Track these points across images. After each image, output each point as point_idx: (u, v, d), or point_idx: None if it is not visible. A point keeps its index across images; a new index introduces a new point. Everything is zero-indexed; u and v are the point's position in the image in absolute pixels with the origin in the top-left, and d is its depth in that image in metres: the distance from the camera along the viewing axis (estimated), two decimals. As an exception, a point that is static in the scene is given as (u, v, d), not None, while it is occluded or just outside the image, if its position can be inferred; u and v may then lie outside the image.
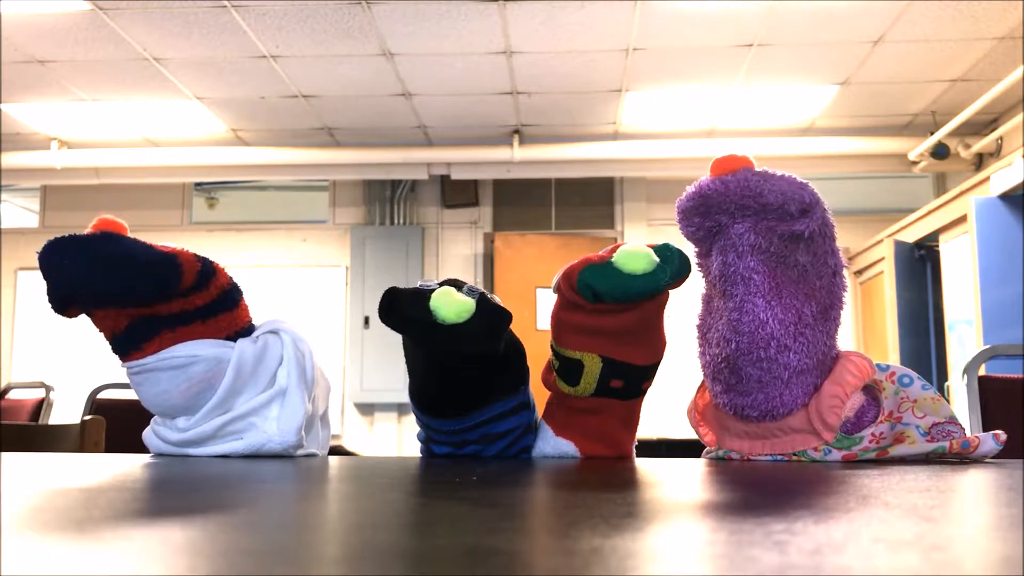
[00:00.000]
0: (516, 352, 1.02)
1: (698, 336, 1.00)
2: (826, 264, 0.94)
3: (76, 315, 1.00)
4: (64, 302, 0.97)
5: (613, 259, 0.95)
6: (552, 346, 1.02)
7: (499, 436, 1.01)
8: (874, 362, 0.96)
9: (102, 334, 1.02)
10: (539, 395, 1.05)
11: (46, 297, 0.97)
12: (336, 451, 1.97)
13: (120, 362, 1.02)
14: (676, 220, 0.97)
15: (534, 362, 1.03)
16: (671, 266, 0.96)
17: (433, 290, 0.95)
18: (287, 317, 1.10)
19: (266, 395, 1.02)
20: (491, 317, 0.95)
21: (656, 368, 1.03)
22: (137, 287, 0.96)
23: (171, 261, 0.97)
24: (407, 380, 1.04)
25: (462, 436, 1.01)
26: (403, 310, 0.94)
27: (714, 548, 0.36)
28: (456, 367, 0.97)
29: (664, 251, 0.97)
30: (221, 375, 1.00)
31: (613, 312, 0.96)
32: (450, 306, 0.93)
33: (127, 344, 0.99)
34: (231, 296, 1.04)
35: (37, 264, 0.96)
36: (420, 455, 1.07)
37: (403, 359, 1.04)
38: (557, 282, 0.98)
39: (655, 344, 1.01)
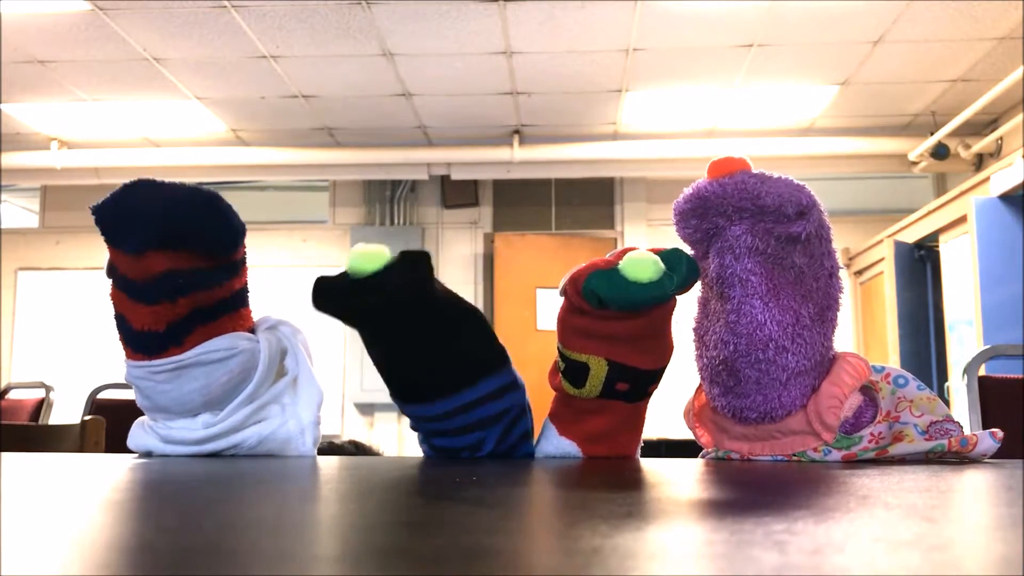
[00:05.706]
0: (474, 319, 1.01)
1: (694, 339, 1.00)
2: (823, 266, 0.94)
3: (147, 257, 0.95)
4: (152, 238, 0.94)
5: (619, 266, 0.93)
6: (558, 348, 1.02)
7: (495, 419, 1.00)
8: (870, 363, 0.97)
9: (133, 333, 0.97)
10: (545, 396, 1.05)
11: (124, 233, 0.94)
12: (341, 449, 1.95)
13: (145, 362, 0.98)
14: (672, 222, 0.97)
15: (535, 362, 1.03)
16: (678, 273, 0.94)
17: None
18: (280, 314, 1.11)
19: (282, 382, 1.07)
20: (409, 256, 0.96)
21: (663, 372, 1.02)
22: (234, 224, 0.99)
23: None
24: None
25: (453, 420, 1.00)
26: (326, 290, 0.96)
27: (714, 548, 0.36)
28: (399, 325, 0.96)
29: (672, 257, 0.95)
30: (253, 367, 1.03)
31: (619, 318, 0.95)
32: (363, 257, 0.94)
33: (167, 340, 0.98)
34: (247, 291, 1.07)
35: (112, 202, 0.93)
36: (422, 455, 1.07)
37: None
38: (563, 286, 0.98)
39: (662, 349, 1.01)
